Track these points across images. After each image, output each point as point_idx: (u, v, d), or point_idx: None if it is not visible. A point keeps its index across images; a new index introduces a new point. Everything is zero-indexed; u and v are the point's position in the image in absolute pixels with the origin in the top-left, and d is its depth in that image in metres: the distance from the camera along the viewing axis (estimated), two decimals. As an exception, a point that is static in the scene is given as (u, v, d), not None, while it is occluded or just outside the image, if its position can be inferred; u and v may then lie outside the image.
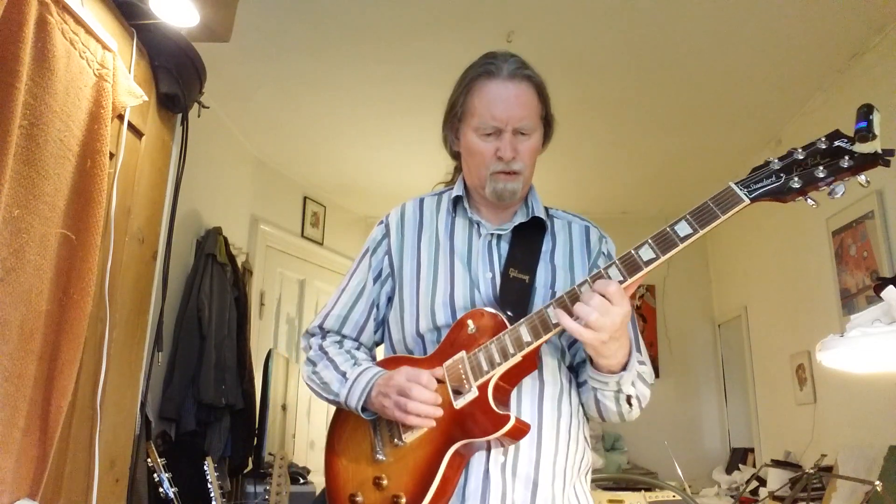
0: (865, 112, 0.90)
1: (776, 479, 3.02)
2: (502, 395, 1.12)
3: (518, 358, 1.08)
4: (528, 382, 1.17)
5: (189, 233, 3.05)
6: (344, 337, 1.33)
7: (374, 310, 1.32)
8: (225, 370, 2.86)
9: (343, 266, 4.74)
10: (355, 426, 1.24)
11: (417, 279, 1.26)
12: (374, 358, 1.33)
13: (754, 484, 3.25)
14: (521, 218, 1.27)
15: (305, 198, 4.40)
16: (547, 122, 1.29)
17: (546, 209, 1.33)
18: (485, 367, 1.10)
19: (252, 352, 3.28)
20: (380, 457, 1.17)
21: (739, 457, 4.04)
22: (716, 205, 0.99)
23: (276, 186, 4.14)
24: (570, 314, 1.02)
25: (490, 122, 1.20)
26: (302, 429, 4.04)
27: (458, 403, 1.10)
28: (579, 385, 1.23)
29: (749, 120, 3.38)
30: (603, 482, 3.39)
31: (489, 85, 1.22)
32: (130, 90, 1.59)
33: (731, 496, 3.49)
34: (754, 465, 3.77)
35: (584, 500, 1.21)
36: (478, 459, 1.14)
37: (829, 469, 2.64)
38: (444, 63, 2.96)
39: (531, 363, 1.11)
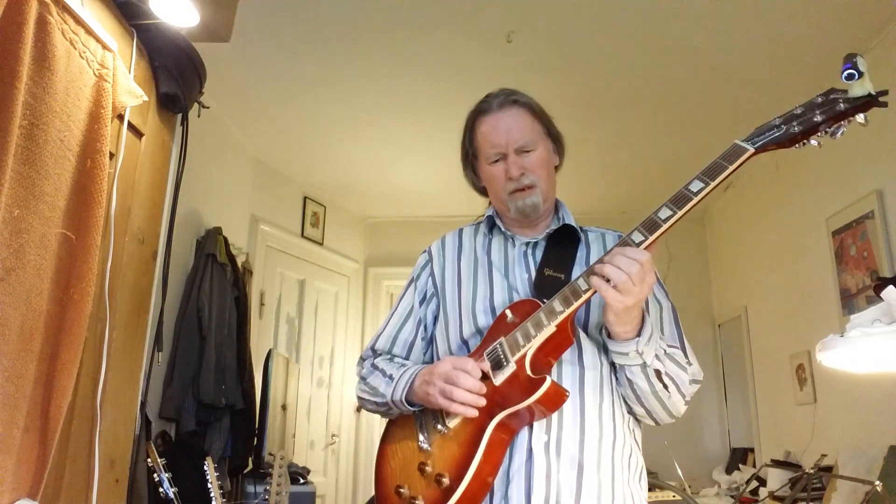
0: (849, 56, 0.99)
1: (776, 479, 3.02)
2: (542, 370, 1.12)
3: (552, 328, 1.10)
4: (568, 369, 1.19)
5: (189, 233, 3.05)
6: (395, 356, 1.40)
7: (422, 329, 1.39)
8: (225, 370, 2.86)
9: (343, 266, 4.74)
10: (402, 426, 1.29)
11: (459, 291, 1.34)
12: None
13: (754, 484, 3.25)
14: (552, 226, 1.34)
15: (305, 198, 4.40)
16: (553, 137, 1.37)
17: (580, 227, 1.39)
18: (521, 342, 1.13)
19: (252, 352, 3.28)
20: (424, 446, 1.20)
21: (739, 457, 4.04)
22: (723, 159, 1.06)
23: (276, 186, 4.14)
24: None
25: (492, 150, 1.31)
26: (302, 429, 4.05)
27: (498, 379, 1.12)
28: (616, 378, 1.23)
29: (749, 120, 3.34)
30: (603, 482, 3.38)
31: (485, 120, 1.33)
32: (130, 90, 1.59)
33: (731, 496, 3.49)
34: (754, 465, 3.77)
35: None
36: (521, 439, 1.15)
37: (829, 469, 2.64)
38: (444, 63, 2.96)
39: (566, 337, 1.12)
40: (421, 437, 1.22)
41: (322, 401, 4.41)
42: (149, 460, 1.98)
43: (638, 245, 1.07)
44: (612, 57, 2.89)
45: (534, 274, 1.28)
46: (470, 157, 1.39)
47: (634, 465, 1.25)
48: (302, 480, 3.17)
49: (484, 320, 1.26)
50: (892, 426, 2.47)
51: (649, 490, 3.19)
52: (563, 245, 1.32)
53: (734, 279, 4.33)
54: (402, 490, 1.19)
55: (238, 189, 3.77)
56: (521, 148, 1.29)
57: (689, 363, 1.25)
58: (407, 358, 1.39)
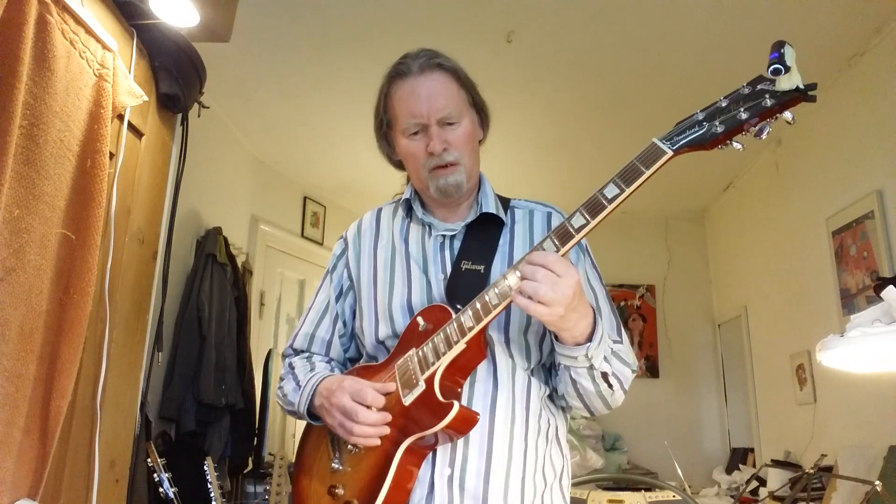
0: (776, 47, 0.89)
1: (776, 479, 3.02)
2: (452, 389, 1.08)
3: (462, 346, 1.04)
4: (482, 385, 1.13)
5: (189, 233, 3.05)
6: (313, 354, 1.32)
7: (340, 325, 1.31)
8: (225, 370, 2.86)
9: (343, 266, 4.74)
10: (316, 441, 1.23)
11: (374, 286, 1.24)
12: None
13: (754, 484, 3.25)
14: (471, 217, 1.23)
15: (305, 198, 4.40)
16: (478, 108, 1.25)
17: (507, 201, 1.29)
18: (430, 359, 1.06)
19: (252, 352, 3.28)
20: (336, 465, 1.15)
21: (739, 457, 4.04)
22: (640, 162, 0.98)
23: (276, 186, 4.14)
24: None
25: (412, 120, 1.18)
26: (302, 429, 4.04)
27: (407, 400, 1.07)
28: (556, 371, 1.17)
29: (749, 120, 3.38)
30: (603, 482, 3.39)
31: (403, 85, 1.20)
32: (130, 90, 1.59)
33: (731, 496, 3.48)
34: (754, 465, 3.77)
35: None
36: (423, 472, 1.09)
37: (829, 469, 2.64)
38: (444, 63, 2.97)
39: (478, 352, 1.07)
40: (334, 455, 1.16)
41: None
42: (149, 460, 1.98)
43: None
44: (612, 57, 2.89)
45: (449, 272, 1.18)
46: (384, 127, 1.26)
47: (551, 475, 1.16)
48: (302, 480, 3.17)
49: (401, 322, 1.17)
50: (892, 426, 2.47)
51: (649, 490, 3.18)
52: (484, 231, 1.21)
53: (734, 279, 4.33)
54: None
55: (238, 189, 3.77)
56: (445, 119, 1.16)
57: (619, 341, 1.16)
58: (327, 355, 1.31)
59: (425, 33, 2.74)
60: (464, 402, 1.10)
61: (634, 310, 4.66)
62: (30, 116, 1.23)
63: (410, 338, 1.13)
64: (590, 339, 1.04)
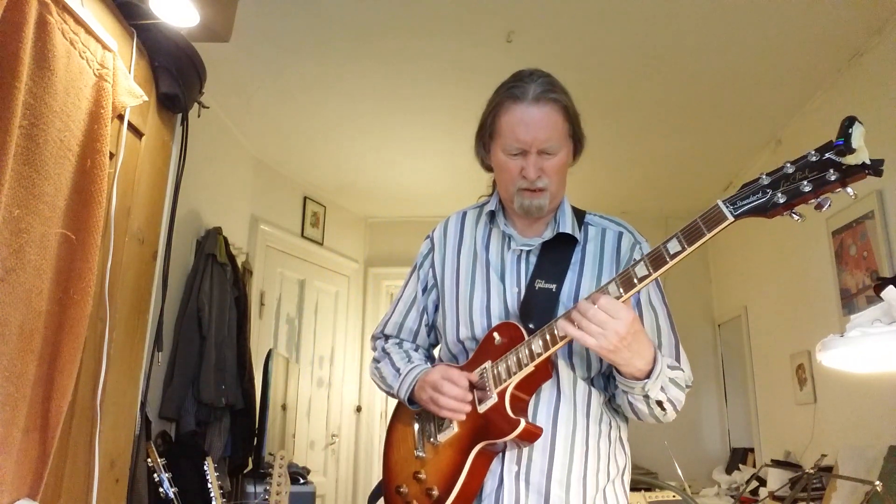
0: (846, 126, 0.89)
1: (776, 479, 3.02)
2: (520, 402, 1.21)
3: (531, 368, 1.17)
4: (546, 395, 1.24)
5: (189, 233, 3.05)
6: (402, 340, 1.48)
7: (426, 316, 1.46)
8: (225, 370, 2.86)
9: (343, 266, 4.74)
10: (405, 423, 1.38)
11: (456, 288, 1.37)
12: (431, 357, 1.49)
13: (754, 484, 3.25)
14: (548, 234, 1.33)
15: (305, 198, 4.40)
16: (576, 139, 1.32)
17: (582, 214, 1.38)
18: (503, 376, 1.19)
19: (252, 352, 3.28)
20: (419, 453, 1.31)
21: (739, 457, 4.04)
22: (703, 223, 1.02)
23: (276, 186, 4.14)
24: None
25: (515, 144, 1.25)
26: (302, 429, 4.05)
27: (482, 408, 1.21)
28: (614, 381, 1.25)
29: (749, 120, 3.38)
30: (603, 482, 3.38)
31: (515, 109, 1.25)
32: (130, 90, 1.59)
33: (731, 496, 3.49)
34: (754, 465, 3.77)
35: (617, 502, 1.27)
36: (494, 466, 1.23)
37: (829, 469, 2.64)
38: (444, 63, 2.96)
39: (545, 372, 1.20)
40: (417, 444, 1.32)
41: (322, 401, 4.40)
42: (149, 460, 1.98)
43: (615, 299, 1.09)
44: (612, 57, 2.89)
45: (524, 288, 1.29)
46: (486, 136, 1.33)
47: (614, 471, 1.28)
48: (302, 480, 3.17)
49: (479, 326, 1.31)
50: (892, 426, 2.47)
51: (649, 490, 3.18)
52: (558, 250, 1.31)
53: (734, 279, 4.33)
54: (401, 490, 1.32)
55: (238, 189, 3.77)
56: (545, 150, 1.25)
57: (683, 371, 1.27)
58: (414, 342, 1.48)
59: (426, 34, 2.75)
60: (529, 410, 1.23)
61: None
62: (30, 116, 1.23)
63: (487, 349, 1.25)
64: (648, 375, 1.14)
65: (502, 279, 1.32)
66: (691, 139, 3.62)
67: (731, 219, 1.00)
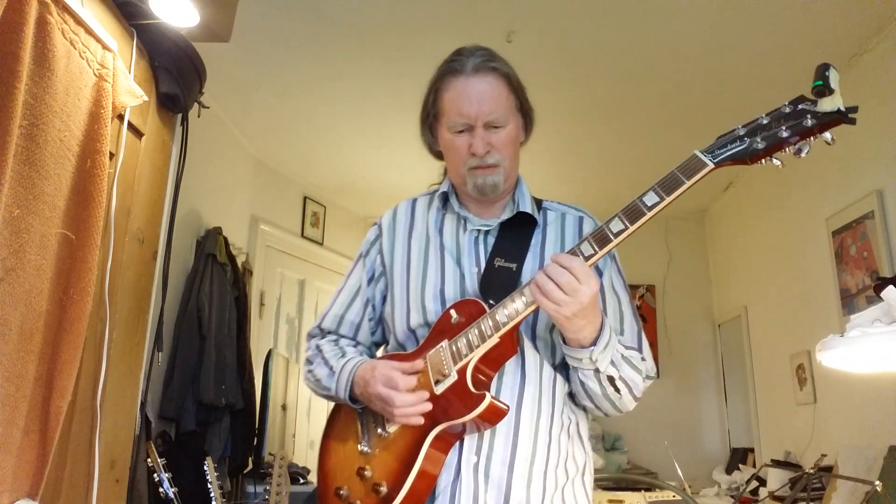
0: (822, 70, 0.92)
1: (776, 479, 3.02)
2: (483, 381, 1.12)
3: (495, 339, 1.08)
4: (510, 377, 1.16)
5: (189, 233, 3.05)
6: (341, 336, 1.35)
7: (370, 309, 1.34)
8: (225, 370, 2.86)
9: (343, 266, 4.74)
10: (345, 421, 1.27)
11: (407, 275, 1.27)
12: (373, 357, 1.34)
13: (754, 484, 3.25)
14: (507, 214, 1.26)
15: (305, 198, 4.40)
16: (524, 112, 1.27)
17: (539, 202, 1.32)
18: (464, 351, 1.10)
19: (252, 352, 3.28)
20: (365, 448, 1.19)
21: (739, 457, 4.04)
22: (681, 172, 1.01)
23: (276, 186, 4.14)
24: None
25: (459, 119, 1.20)
26: (302, 429, 4.04)
27: (439, 389, 1.11)
28: (568, 373, 1.20)
29: (749, 120, 3.38)
30: (603, 482, 3.39)
31: (455, 83, 1.21)
32: (130, 90, 1.59)
33: (731, 496, 3.49)
34: (754, 465, 3.77)
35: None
36: (450, 458, 1.13)
37: (829, 469, 2.64)
38: (444, 63, 2.96)
39: (510, 345, 1.11)
40: (363, 438, 1.21)
41: (322, 401, 4.36)
42: (149, 460, 1.98)
43: (587, 258, 1.03)
44: (612, 57, 2.89)
45: (483, 266, 1.22)
46: (430, 118, 1.28)
47: (573, 469, 1.20)
48: (302, 480, 3.17)
49: (433, 311, 1.21)
50: (892, 426, 2.47)
51: (649, 490, 3.17)
52: (517, 231, 1.25)
53: (734, 279, 4.33)
54: (341, 492, 1.19)
55: (238, 189, 3.77)
56: (491, 123, 1.18)
57: (644, 359, 1.22)
58: (354, 338, 1.35)
59: (426, 33, 2.74)
60: (492, 391, 1.14)
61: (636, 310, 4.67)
62: (30, 116, 1.23)
63: (442, 329, 1.16)
64: (594, 343, 1.08)
65: (458, 262, 1.24)
66: (691, 139, 3.60)
67: (710, 165, 0.99)
